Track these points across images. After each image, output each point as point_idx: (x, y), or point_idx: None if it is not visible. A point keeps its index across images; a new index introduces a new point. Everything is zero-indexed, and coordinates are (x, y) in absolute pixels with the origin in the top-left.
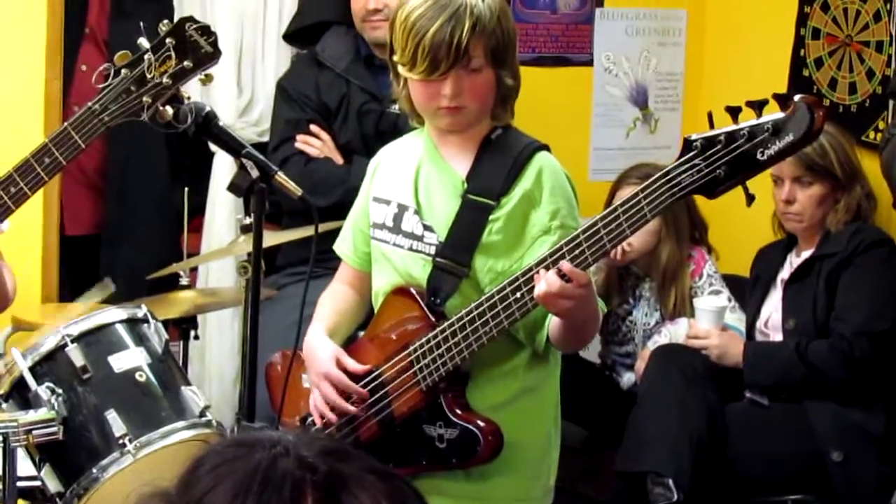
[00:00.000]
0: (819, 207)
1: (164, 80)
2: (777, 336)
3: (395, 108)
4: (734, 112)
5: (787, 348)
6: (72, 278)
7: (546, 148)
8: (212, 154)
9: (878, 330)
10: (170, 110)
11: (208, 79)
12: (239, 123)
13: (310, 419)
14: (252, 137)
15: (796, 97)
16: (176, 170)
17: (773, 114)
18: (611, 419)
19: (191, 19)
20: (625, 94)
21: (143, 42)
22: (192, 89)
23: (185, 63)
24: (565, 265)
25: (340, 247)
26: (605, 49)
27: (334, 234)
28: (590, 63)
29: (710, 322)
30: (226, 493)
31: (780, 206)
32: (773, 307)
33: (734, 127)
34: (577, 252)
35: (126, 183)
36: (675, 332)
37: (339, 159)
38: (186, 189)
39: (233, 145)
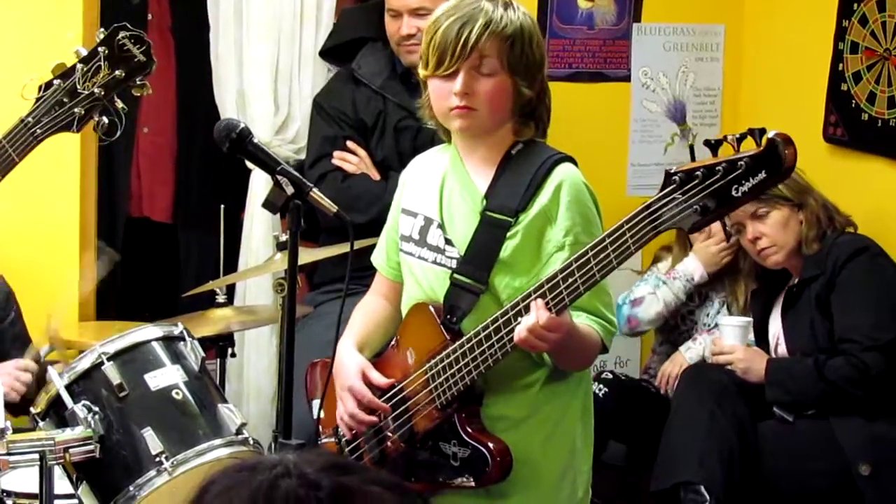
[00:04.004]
0: (785, 231)
1: (96, 90)
2: None
3: (432, 123)
4: (713, 146)
5: (806, 365)
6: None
7: (569, 159)
8: (249, 171)
9: (886, 339)
10: (105, 120)
11: (144, 89)
12: (275, 141)
13: (340, 430)
14: (288, 155)
15: (770, 133)
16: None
17: (749, 150)
18: (651, 434)
19: (124, 27)
20: (662, 110)
21: (81, 51)
22: (228, 107)
23: (117, 73)
24: (542, 317)
25: (376, 258)
26: (643, 65)
27: (371, 250)
28: (627, 79)
29: (735, 338)
30: None
31: (752, 249)
32: (776, 337)
33: (711, 162)
34: (570, 281)
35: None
36: (710, 342)
37: (375, 175)
38: (223, 206)
39: (267, 162)
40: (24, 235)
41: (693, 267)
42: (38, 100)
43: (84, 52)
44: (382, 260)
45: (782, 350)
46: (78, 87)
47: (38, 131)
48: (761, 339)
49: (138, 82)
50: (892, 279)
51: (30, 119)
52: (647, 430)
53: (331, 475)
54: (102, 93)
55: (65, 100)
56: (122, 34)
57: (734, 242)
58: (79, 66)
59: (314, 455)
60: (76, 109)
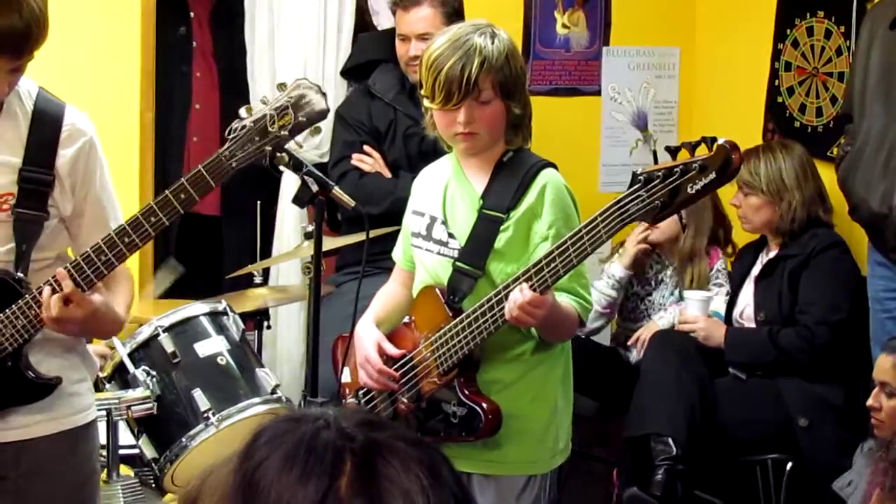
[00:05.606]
0: (756, 214)
1: (283, 132)
2: (751, 326)
3: (434, 133)
4: (673, 151)
5: (761, 334)
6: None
7: (552, 165)
8: (281, 173)
9: (836, 319)
10: (285, 156)
11: (317, 130)
12: (303, 146)
13: (361, 391)
14: (315, 158)
15: (720, 140)
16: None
17: (702, 155)
18: (619, 392)
19: (304, 80)
20: (628, 119)
21: (259, 103)
22: None
23: (300, 118)
24: (527, 295)
25: (396, 253)
26: (611, 81)
27: (384, 237)
28: (598, 93)
29: (698, 310)
30: (277, 460)
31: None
32: (746, 301)
33: (670, 164)
34: (552, 265)
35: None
36: (679, 312)
37: (387, 174)
38: (259, 202)
39: (296, 164)
40: None
41: (615, 268)
42: (231, 138)
43: (268, 100)
44: (401, 254)
45: (748, 312)
46: (269, 128)
47: (234, 163)
48: (733, 300)
49: (315, 126)
50: (852, 275)
51: (226, 153)
52: (615, 389)
53: (364, 430)
54: (287, 134)
55: (256, 138)
56: (304, 86)
57: (647, 242)
58: (268, 111)
59: (352, 412)
60: (267, 147)
